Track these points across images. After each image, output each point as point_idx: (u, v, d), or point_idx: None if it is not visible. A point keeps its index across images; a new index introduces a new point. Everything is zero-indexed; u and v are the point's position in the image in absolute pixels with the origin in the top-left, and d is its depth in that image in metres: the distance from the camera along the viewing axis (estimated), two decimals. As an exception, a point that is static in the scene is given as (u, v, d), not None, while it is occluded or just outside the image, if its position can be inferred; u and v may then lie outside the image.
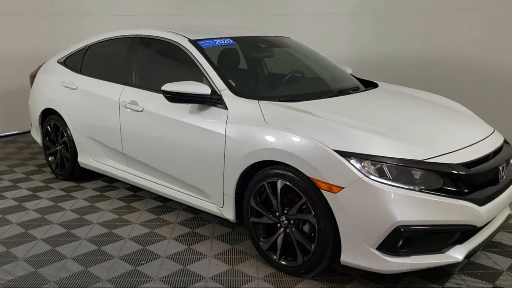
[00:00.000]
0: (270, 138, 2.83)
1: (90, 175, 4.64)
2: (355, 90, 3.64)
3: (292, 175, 2.72)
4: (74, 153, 4.46)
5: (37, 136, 5.05)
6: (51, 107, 4.59)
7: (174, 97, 3.20)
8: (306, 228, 2.80)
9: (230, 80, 3.29)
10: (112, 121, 3.90)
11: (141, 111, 3.63)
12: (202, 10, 7.44)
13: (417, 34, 6.32)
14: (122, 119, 3.81)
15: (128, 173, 3.97)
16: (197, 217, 3.77)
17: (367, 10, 6.75)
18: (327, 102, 3.22)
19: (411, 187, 2.48)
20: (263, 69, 4.06)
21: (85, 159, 4.38)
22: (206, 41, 3.60)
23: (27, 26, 6.69)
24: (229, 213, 3.18)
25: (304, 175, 2.67)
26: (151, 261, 3.06)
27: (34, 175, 4.90)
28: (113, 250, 3.22)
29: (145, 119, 3.61)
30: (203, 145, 3.20)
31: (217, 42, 3.65)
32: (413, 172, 2.53)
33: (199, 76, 3.38)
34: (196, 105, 3.27)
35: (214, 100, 3.18)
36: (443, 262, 2.58)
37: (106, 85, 4.05)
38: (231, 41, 3.74)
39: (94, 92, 4.12)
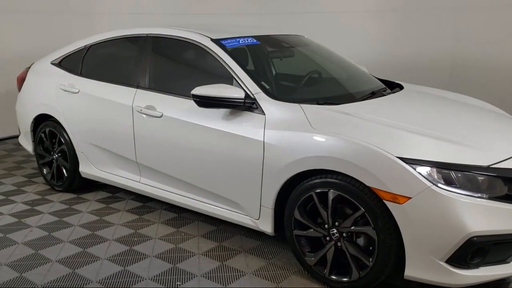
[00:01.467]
0: (320, 145, 2.62)
1: (90, 185, 4.30)
2: (384, 91, 3.49)
3: (347, 184, 2.53)
4: (75, 162, 4.10)
5: (27, 144, 4.62)
6: (47, 113, 4.21)
7: (204, 102, 2.95)
8: (360, 241, 2.62)
9: (263, 83, 3.07)
10: (124, 127, 3.58)
11: (160, 116, 3.34)
12: (216, 8, 7.19)
13: (446, 33, 5.93)
14: (136, 125, 3.50)
15: (142, 183, 3.67)
16: (219, 229, 3.52)
17: (388, 8, 6.37)
18: (370, 104, 3.04)
19: (479, 195, 2.34)
20: (287, 70, 3.85)
21: (88, 169, 4.04)
22: (230, 41, 3.35)
23: (40, 25, 6.33)
24: (266, 226, 2.96)
25: (362, 184, 2.48)
26: (187, 281, 2.80)
27: (26, 186, 4.49)
28: (140, 270, 2.93)
29: (166, 126, 3.31)
30: (237, 153, 2.95)
31: (240, 42, 3.41)
32: (479, 178, 2.39)
33: (225, 78, 3.13)
34: (227, 110, 3.02)
35: (248, 104, 2.94)
36: (510, 272, 2.46)
37: (115, 88, 3.72)
38: (255, 41, 3.51)
39: (101, 96, 3.77)
